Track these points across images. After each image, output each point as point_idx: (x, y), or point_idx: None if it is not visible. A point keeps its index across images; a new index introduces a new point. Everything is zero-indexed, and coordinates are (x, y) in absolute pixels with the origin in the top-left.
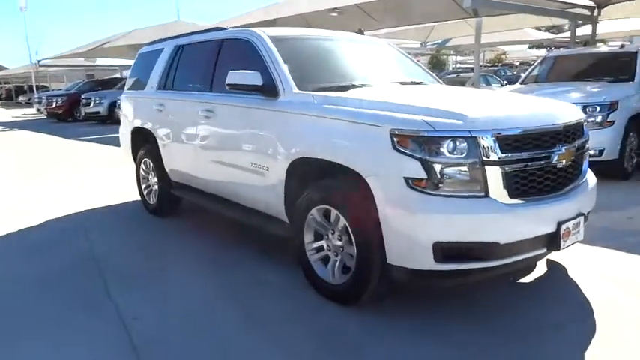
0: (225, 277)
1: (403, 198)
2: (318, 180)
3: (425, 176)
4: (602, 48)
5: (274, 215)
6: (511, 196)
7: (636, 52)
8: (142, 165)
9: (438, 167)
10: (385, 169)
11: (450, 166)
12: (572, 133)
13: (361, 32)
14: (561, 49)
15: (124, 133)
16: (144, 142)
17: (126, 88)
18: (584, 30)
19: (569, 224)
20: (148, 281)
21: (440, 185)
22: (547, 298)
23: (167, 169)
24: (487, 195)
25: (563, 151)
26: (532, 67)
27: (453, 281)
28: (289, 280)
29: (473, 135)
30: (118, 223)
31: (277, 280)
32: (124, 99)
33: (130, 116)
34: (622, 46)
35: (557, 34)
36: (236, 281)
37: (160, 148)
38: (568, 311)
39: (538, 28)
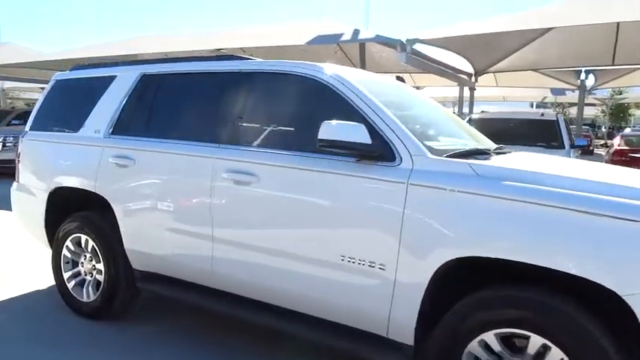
0: None
1: None
2: (489, 290)
3: None
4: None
5: (381, 333)
6: None
7: (556, 120)
8: (69, 243)
9: None
10: None
11: None
12: None
13: (401, 79)
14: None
15: (30, 196)
16: (70, 210)
17: (31, 126)
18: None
19: None
20: None
21: None
22: None
23: (129, 251)
24: None
25: None
26: None
27: None
28: None
29: None
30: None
31: None
32: (29, 144)
33: (44, 170)
34: (542, 114)
35: None
36: None
37: (120, 221)
38: None
39: None
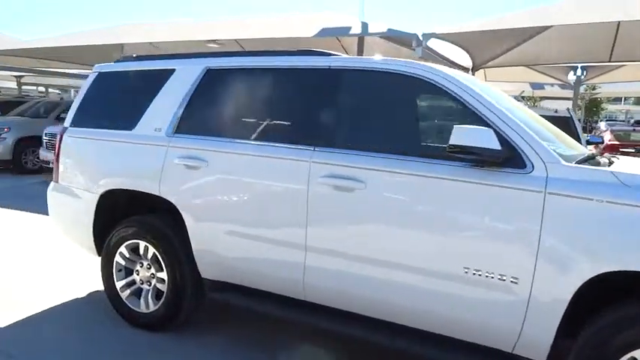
0: None
1: None
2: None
3: None
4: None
5: (504, 349)
6: None
7: (570, 117)
8: (123, 250)
9: None
10: None
11: None
12: None
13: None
14: None
15: (74, 198)
16: (119, 215)
17: (71, 122)
18: None
19: None
20: None
21: None
22: None
23: (200, 259)
24: None
25: None
26: None
27: None
28: None
29: None
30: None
31: None
32: (72, 142)
33: (93, 171)
34: (556, 111)
35: None
36: None
37: (189, 227)
38: None
39: None
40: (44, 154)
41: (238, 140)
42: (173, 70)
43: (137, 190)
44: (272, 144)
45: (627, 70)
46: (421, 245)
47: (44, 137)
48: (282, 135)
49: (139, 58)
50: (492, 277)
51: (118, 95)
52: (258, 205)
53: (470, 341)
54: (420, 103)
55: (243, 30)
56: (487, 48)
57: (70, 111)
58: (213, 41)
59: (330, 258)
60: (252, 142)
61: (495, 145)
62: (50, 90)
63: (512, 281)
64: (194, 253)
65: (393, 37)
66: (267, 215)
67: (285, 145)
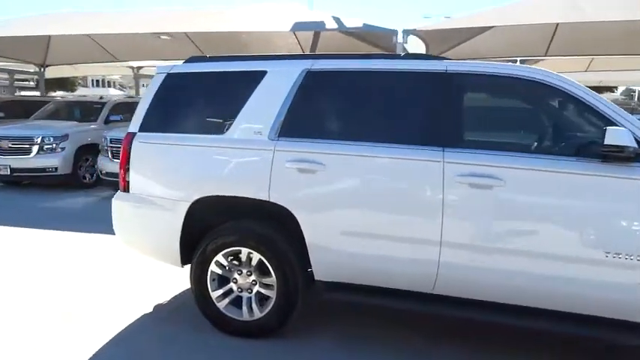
0: None
1: None
2: None
3: None
4: None
5: (637, 319)
6: None
7: None
8: (220, 258)
9: None
10: None
11: None
12: None
13: None
14: None
15: (154, 207)
16: (215, 222)
17: (140, 127)
18: None
19: None
20: None
21: None
22: None
23: (317, 262)
24: None
25: None
26: None
27: None
28: None
29: None
30: None
31: None
32: (146, 148)
33: (181, 178)
34: None
35: None
36: None
37: (307, 231)
38: None
39: None
40: None
41: (357, 142)
42: (264, 72)
43: (241, 196)
44: (396, 145)
45: (551, 62)
46: (563, 235)
47: None
48: (403, 136)
49: (212, 59)
50: (632, 259)
51: (196, 98)
52: (384, 205)
53: (606, 317)
54: (546, 105)
55: (195, 23)
56: (443, 42)
57: (135, 115)
58: (159, 34)
59: (470, 252)
60: (374, 144)
61: (633, 143)
62: None
63: None
64: (311, 256)
65: (356, 32)
66: (397, 214)
67: (411, 147)
